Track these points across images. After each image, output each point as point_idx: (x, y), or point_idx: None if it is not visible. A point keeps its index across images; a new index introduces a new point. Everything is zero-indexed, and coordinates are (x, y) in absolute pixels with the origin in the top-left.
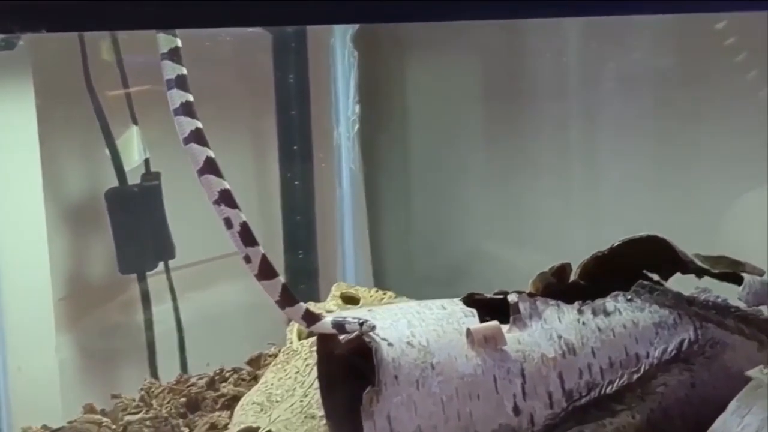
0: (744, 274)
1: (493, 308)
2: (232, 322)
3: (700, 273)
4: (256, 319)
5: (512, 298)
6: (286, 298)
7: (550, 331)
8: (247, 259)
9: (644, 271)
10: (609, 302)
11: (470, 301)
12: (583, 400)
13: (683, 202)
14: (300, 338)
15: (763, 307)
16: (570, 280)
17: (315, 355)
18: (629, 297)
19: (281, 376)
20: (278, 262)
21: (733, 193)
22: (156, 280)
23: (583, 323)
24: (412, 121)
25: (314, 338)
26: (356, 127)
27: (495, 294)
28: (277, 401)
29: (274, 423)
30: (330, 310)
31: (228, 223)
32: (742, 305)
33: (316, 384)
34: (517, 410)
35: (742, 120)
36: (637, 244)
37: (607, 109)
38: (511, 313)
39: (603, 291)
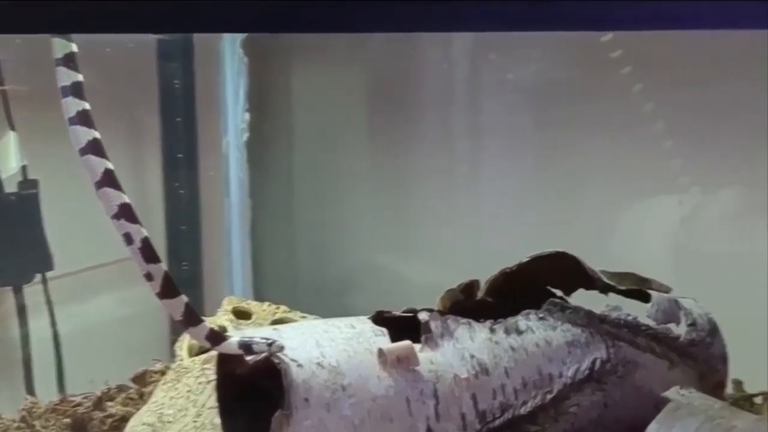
0: (651, 292)
1: (403, 326)
2: (113, 335)
3: (606, 290)
4: (137, 331)
5: (423, 316)
6: (190, 318)
7: (462, 350)
8: (149, 277)
9: (550, 288)
10: (521, 321)
11: (379, 319)
12: (497, 422)
13: (570, 213)
14: (191, 354)
15: (671, 325)
16: (478, 297)
17: (207, 373)
18: (541, 315)
19: (172, 395)
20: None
21: (620, 204)
22: (33, 290)
23: (496, 342)
24: (299, 129)
25: (206, 355)
26: (245, 135)
27: (404, 312)
28: (169, 422)
29: None
30: (222, 325)
31: (128, 238)
32: (651, 323)
33: (210, 403)
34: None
35: (627, 132)
36: (545, 261)
37: (495, 120)
38: (422, 333)
39: (512, 308)
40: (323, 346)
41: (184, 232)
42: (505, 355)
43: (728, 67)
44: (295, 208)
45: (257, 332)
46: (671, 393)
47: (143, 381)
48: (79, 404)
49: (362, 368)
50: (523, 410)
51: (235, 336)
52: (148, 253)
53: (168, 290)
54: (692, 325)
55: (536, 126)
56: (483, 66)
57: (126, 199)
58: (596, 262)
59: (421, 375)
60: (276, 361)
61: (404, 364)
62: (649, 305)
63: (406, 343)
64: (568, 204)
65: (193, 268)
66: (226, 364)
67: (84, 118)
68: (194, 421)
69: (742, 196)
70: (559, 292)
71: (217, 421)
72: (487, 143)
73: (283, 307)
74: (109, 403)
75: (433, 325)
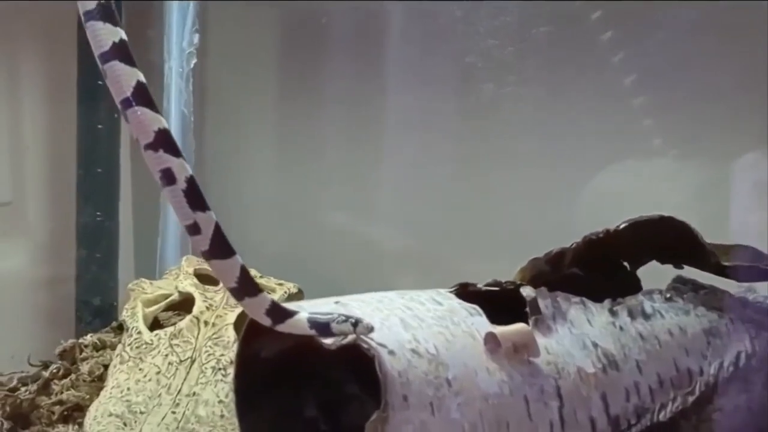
0: None
1: (482, 303)
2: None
3: (720, 270)
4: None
5: (527, 291)
6: (246, 286)
7: (581, 337)
8: (194, 229)
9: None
10: (646, 302)
11: (463, 293)
12: (634, 430)
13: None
14: (147, 324)
15: None
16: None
17: (177, 351)
18: (668, 296)
19: (138, 377)
20: (69, 224)
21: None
22: None
23: (621, 328)
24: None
25: (172, 329)
26: (193, 62)
27: (487, 285)
28: (141, 412)
29: None
30: (185, 291)
31: (168, 176)
32: None
33: (186, 389)
34: None
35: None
36: (644, 227)
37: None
38: (530, 313)
39: (604, 285)
40: (412, 327)
41: (100, 175)
42: (634, 345)
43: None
44: (249, 151)
45: (316, 306)
46: None
47: (71, 356)
48: (14, 389)
49: (467, 357)
50: (661, 416)
51: (303, 312)
52: (194, 196)
53: (219, 248)
54: None
55: (452, 110)
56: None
57: (164, 123)
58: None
59: (539, 368)
60: (364, 346)
61: (521, 354)
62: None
63: (522, 326)
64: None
65: (110, 220)
66: (250, 345)
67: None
68: (173, 413)
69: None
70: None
71: (202, 412)
72: (396, 122)
73: (252, 271)
74: (55, 385)
75: (542, 303)
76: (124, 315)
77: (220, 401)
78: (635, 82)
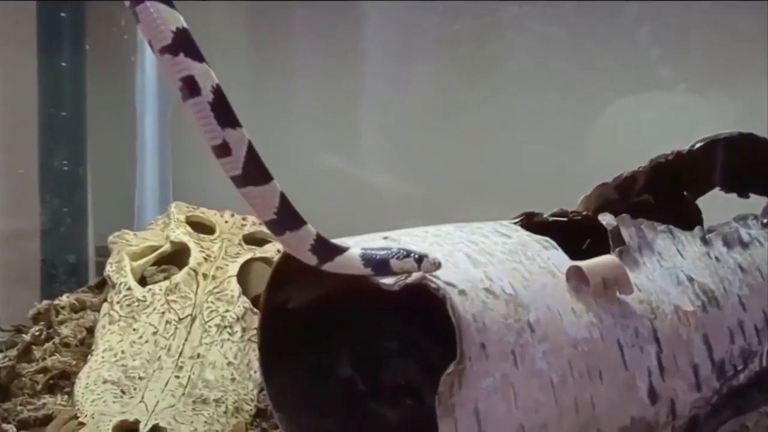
0: None
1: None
2: None
3: None
4: None
5: (608, 219)
6: (287, 217)
7: (673, 271)
8: (223, 150)
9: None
10: (741, 229)
11: (529, 224)
12: (741, 377)
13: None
14: (138, 280)
15: None
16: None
17: (175, 307)
18: (765, 221)
19: (133, 339)
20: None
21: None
22: None
23: (717, 259)
24: None
25: (167, 283)
26: None
27: (554, 214)
28: (140, 377)
29: (158, 414)
30: (179, 240)
31: (191, 85)
32: None
33: (189, 350)
34: (653, 395)
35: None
36: (718, 148)
37: None
38: (612, 244)
39: (677, 211)
40: (481, 263)
41: (66, 119)
42: (733, 277)
43: None
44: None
45: (364, 243)
46: None
47: (47, 320)
48: None
49: (548, 297)
50: None
51: (355, 248)
52: (223, 109)
53: (254, 171)
54: None
55: None
56: None
57: (184, 22)
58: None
59: (631, 308)
60: (432, 285)
61: (611, 291)
62: None
63: (611, 258)
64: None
65: (78, 168)
66: (276, 296)
67: None
68: (177, 377)
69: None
70: None
71: (210, 376)
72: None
73: (251, 218)
74: (36, 351)
75: (625, 233)
76: (108, 270)
77: (229, 363)
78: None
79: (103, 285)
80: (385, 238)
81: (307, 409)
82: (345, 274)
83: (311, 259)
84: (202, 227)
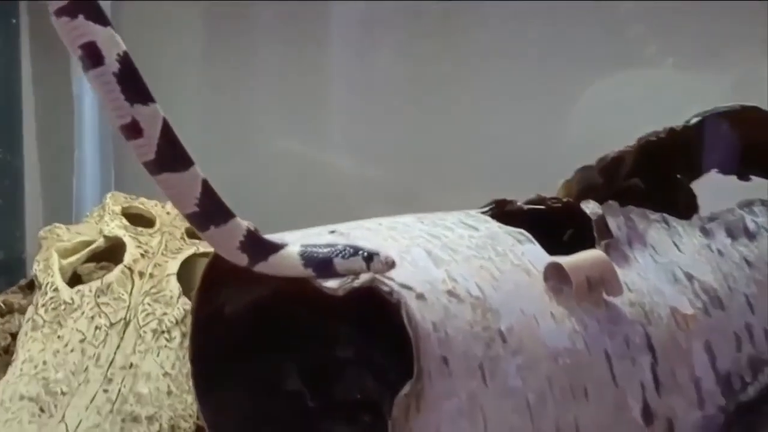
0: None
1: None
2: None
3: None
4: None
5: (592, 207)
6: (211, 209)
7: (669, 267)
8: (132, 130)
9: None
10: (746, 216)
11: (499, 213)
12: (751, 392)
13: None
14: (67, 280)
15: None
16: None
17: (106, 311)
18: None
19: (57, 347)
20: None
21: None
22: None
23: (719, 252)
24: None
25: (97, 283)
26: None
27: (529, 202)
28: (62, 392)
29: None
30: (113, 234)
31: (91, 54)
32: None
33: (120, 360)
34: (648, 415)
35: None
36: (717, 124)
37: None
38: (598, 236)
39: (670, 197)
40: (443, 260)
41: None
42: (739, 274)
43: None
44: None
45: (307, 237)
46: None
47: None
48: None
49: (523, 300)
50: None
51: (292, 245)
52: (131, 82)
53: (171, 155)
54: None
55: None
56: None
57: None
58: None
59: (620, 312)
60: (384, 288)
61: (597, 292)
62: None
63: (597, 254)
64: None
65: (13, 156)
66: (210, 298)
67: None
68: (105, 391)
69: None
70: None
71: (143, 389)
72: None
73: None
74: None
75: (612, 223)
76: (35, 269)
77: (166, 373)
78: None
79: (33, 285)
80: (332, 232)
81: (249, 429)
82: (282, 276)
83: (241, 259)
84: (140, 220)
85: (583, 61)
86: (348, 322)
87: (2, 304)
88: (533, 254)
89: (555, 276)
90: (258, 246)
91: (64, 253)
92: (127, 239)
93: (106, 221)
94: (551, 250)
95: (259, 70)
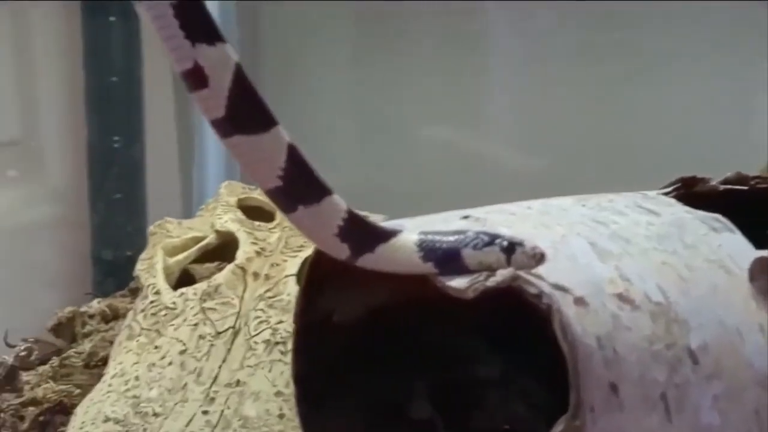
0: None
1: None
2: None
3: None
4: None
5: None
6: (301, 183)
7: None
8: (196, 78)
9: None
10: None
11: (687, 194)
12: None
13: None
14: (171, 282)
15: None
16: None
17: (213, 317)
18: None
19: (153, 360)
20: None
21: None
22: None
23: None
24: None
25: (204, 285)
26: None
27: (725, 181)
28: (155, 414)
29: None
30: (225, 229)
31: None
32: None
33: (226, 376)
34: None
35: None
36: None
37: None
38: None
39: None
40: (612, 254)
41: (116, 85)
42: None
43: None
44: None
45: (430, 224)
46: None
47: (69, 333)
48: None
49: (721, 308)
50: None
51: (409, 233)
52: (194, 17)
53: (246, 112)
54: None
55: None
56: None
57: None
58: None
59: None
60: (531, 290)
61: None
62: None
63: None
64: None
65: (130, 142)
66: (315, 303)
67: None
68: (204, 412)
69: None
70: None
71: (250, 411)
72: None
73: None
74: (30, 376)
75: None
76: (138, 269)
77: (278, 393)
78: None
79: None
80: (466, 217)
81: None
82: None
83: (340, 250)
84: (259, 213)
85: None
86: (484, 333)
87: (108, 309)
88: (734, 247)
89: (765, 275)
90: (363, 233)
91: (172, 251)
92: (240, 234)
93: (219, 214)
94: (757, 243)
95: (413, 54)
